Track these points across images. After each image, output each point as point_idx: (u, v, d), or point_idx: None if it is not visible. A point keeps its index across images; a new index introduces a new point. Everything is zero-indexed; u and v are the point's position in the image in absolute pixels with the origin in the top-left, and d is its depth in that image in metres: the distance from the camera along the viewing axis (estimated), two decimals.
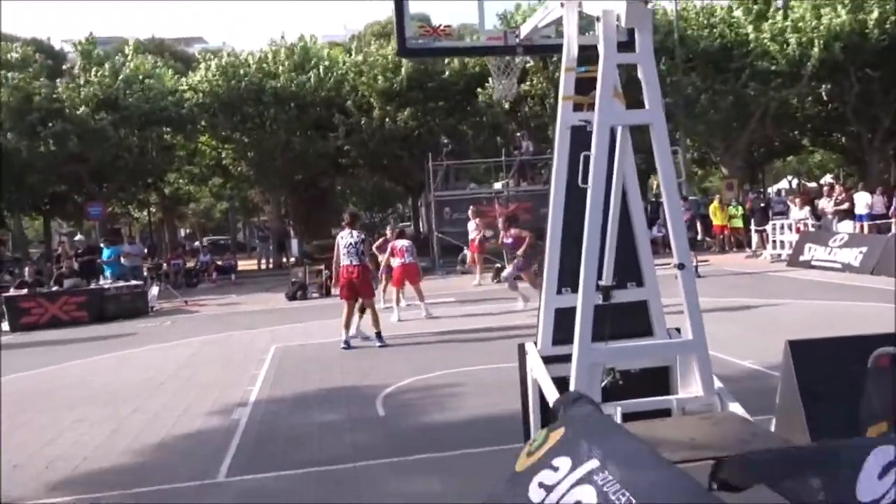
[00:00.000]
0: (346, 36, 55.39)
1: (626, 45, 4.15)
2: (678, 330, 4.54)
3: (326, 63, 24.67)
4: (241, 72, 23.88)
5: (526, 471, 2.02)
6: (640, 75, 3.93)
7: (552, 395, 4.08)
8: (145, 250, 23.59)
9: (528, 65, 20.87)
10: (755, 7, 23.47)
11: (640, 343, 4.16)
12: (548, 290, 4.48)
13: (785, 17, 22.42)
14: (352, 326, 9.70)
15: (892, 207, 18.47)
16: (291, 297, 16.06)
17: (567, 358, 4.12)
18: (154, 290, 16.96)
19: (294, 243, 25.26)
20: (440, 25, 6.35)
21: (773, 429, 4.24)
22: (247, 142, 24.58)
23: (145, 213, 35.41)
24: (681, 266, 3.94)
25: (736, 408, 3.86)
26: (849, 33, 21.40)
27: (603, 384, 4.09)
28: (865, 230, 17.59)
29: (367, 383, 7.53)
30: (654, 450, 1.71)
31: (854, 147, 27.30)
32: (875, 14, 21.57)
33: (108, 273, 17.70)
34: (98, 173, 23.06)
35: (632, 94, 4.15)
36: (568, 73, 4.46)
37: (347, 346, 9.40)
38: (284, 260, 26.46)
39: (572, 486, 1.71)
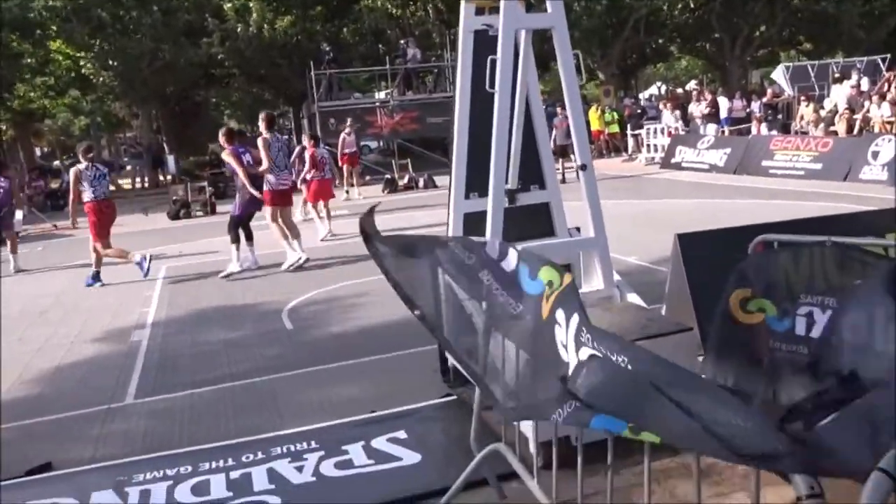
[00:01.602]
0: None
1: None
2: (578, 229, 4.79)
3: None
4: None
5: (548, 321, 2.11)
6: None
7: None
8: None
9: None
10: None
11: (547, 242, 4.36)
12: (456, 196, 4.56)
13: None
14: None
15: (750, 110, 19.75)
16: (174, 217, 15.41)
17: None
18: (18, 215, 15.69)
19: (170, 160, 23.92)
20: None
21: (663, 314, 4.63)
22: (107, 49, 22.64)
23: None
24: (583, 167, 4.12)
25: (634, 297, 4.19)
26: None
27: None
28: (726, 133, 18.79)
29: (268, 299, 7.47)
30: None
31: (717, 54, 28.75)
32: None
33: None
34: None
35: None
36: None
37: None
38: (161, 178, 25.10)
39: (577, 348, 1.86)
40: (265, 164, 8.60)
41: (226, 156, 8.97)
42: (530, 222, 4.62)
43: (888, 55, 20.99)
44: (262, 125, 9.04)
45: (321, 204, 11.29)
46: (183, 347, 6.07)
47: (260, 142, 8.70)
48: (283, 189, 8.89)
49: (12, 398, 5.22)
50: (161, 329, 6.70)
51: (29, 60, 23.91)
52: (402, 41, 21.86)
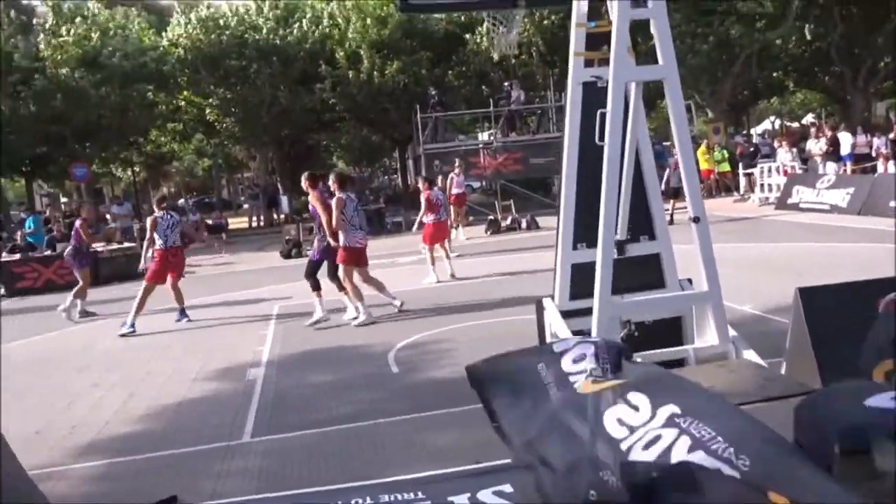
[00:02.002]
0: None
1: None
2: (689, 280, 4.67)
3: (310, 15, 24.17)
4: (222, 24, 23.34)
5: (595, 397, 2.06)
6: (653, 30, 3.96)
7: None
8: (132, 209, 23.52)
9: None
10: None
11: (660, 295, 4.28)
12: (563, 246, 4.56)
13: None
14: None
15: (875, 147, 18.65)
16: (286, 256, 16.08)
17: (584, 312, 4.25)
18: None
19: (284, 200, 25.13)
20: None
21: (783, 373, 4.40)
22: (230, 97, 24.21)
23: (129, 172, 34.96)
24: (696, 219, 4.03)
25: (751, 354, 4.02)
26: None
27: (619, 336, 4.22)
28: (849, 171, 17.79)
29: (375, 341, 7.64)
30: (722, 396, 1.80)
31: (836, 86, 27.39)
32: None
33: (36, 243, 16.80)
34: (81, 133, 22.68)
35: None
36: (579, 29, 4.46)
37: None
38: (275, 217, 26.35)
39: (659, 428, 1.77)
40: (334, 223, 8.32)
41: (313, 200, 8.84)
42: (640, 274, 4.55)
43: None
44: (333, 185, 8.82)
45: (437, 246, 11.28)
46: (295, 387, 6.30)
47: (334, 202, 8.40)
48: (358, 248, 8.61)
49: (141, 430, 5.58)
50: (274, 368, 6.98)
51: (161, 109, 25.91)
52: (505, 83, 22.15)
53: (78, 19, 21.99)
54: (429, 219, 11.17)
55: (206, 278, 14.52)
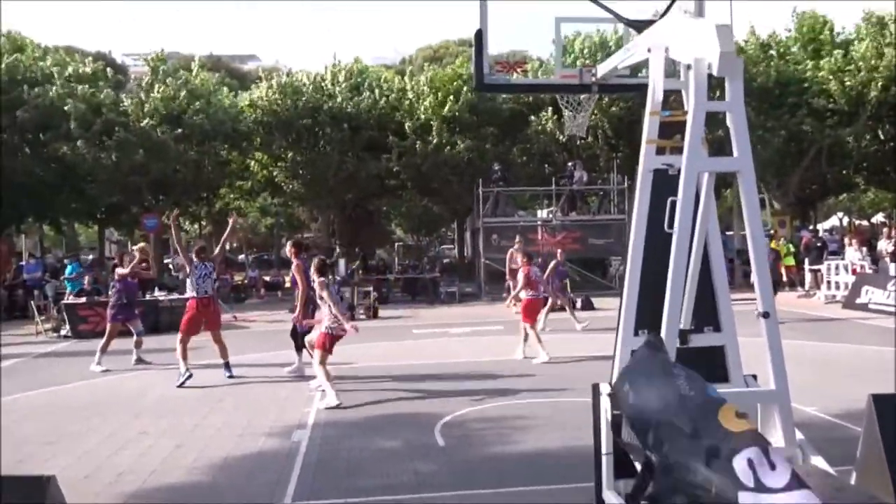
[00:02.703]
0: (396, 59, 56.35)
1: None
2: (754, 377, 4.51)
3: (381, 86, 25.07)
4: (300, 90, 24.38)
5: (740, 437, 2.14)
6: (729, 123, 3.96)
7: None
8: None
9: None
10: (813, 44, 23.24)
11: (725, 390, 4.12)
12: (625, 331, 4.47)
13: (845, 55, 22.11)
14: None
15: None
16: None
17: None
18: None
19: (341, 263, 25.51)
20: (516, 61, 6.47)
21: (853, 482, 4.16)
22: (300, 160, 25.03)
23: (196, 226, 36.17)
24: (765, 315, 3.92)
25: (819, 461, 3.81)
26: None
27: None
28: None
29: (423, 410, 7.57)
30: None
31: None
32: None
33: (69, 289, 17.16)
34: (156, 186, 23.71)
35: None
36: (652, 117, 4.49)
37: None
38: (330, 278, 26.71)
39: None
40: (333, 309, 8.20)
41: (295, 270, 9.08)
42: (703, 365, 4.41)
43: None
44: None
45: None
46: (339, 452, 6.24)
47: (317, 284, 8.33)
48: (341, 336, 8.35)
49: (186, 482, 5.59)
50: (320, 431, 6.95)
51: (233, 167, 26.94)
52: (569, 163, 22.33)
53: (170, 79, 23.32)
54: (527, 294, 10.68)
55: (260, 334, 14.72)
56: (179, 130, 22.36)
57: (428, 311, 18.02)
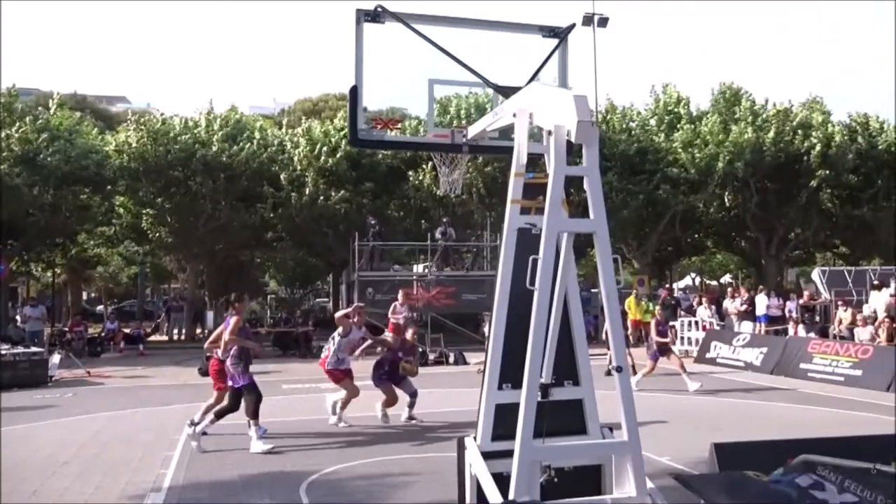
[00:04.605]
0: (275, 109, 55.89)
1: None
2: (610, 429, 4.72)
3: (259, 136, 24.69)
4: (172, 136, 23.52)
5: None
6: (585, 187, 4.23)
7: (492, 492, 4.14)
8: (46, 312, 22.44)
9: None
10: (667, 118, 25.36)
11: (580, 442, 4.29)
12: (489, 386, 4.58)
13: (694, 130, 24.22)
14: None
15: (788, 310, 19.72)
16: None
17: (506, 454, 4.21)
18: (55, 359, 15.98)
19: (210, 315, 24.49)
20: (391, 118, 6.62)
21: None
22: (169, 207, 24.02)
23: (49, 273, 33.66)
24: (618, 369, 4.15)
25: None
26: (750, 149, 23.33)
27: (539, 481, 4.18)
28: (763, 331, 18.67)
29: (288, 469, 7.31)
30: None
31: (752, 251, 29.26)
32: (772, 133, 23.71)
33: None
34: (6, 230, 21.92)
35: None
36: (517, 178, 4.73)
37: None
38: (199, 331, 25.54)
39: None
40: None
41: (236, 324, 8.56)
42: (562, 418, 4.58)
43: None
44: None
45: None
46: None
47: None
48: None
49: None
50: (177, 495, 6.54)
51: (94, 212, 25.41)
52: (443, 219, 22.81)
53: (28, 118, 21.86)
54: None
55: (117, 390, 13.77)
56: (36, 176, 20.89)
57: (300, 365, 17.54)
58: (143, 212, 25.22)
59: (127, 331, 24.05)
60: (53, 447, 8.53)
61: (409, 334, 10.44)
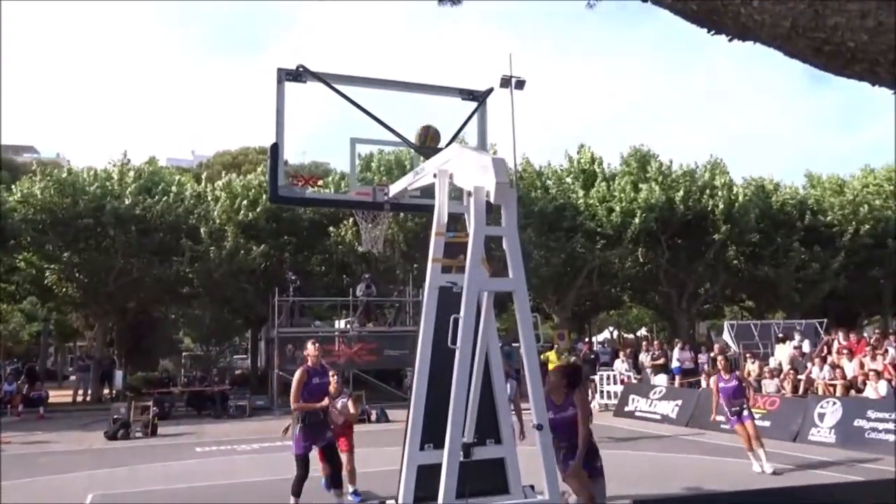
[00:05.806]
0: (193, 162, 54.91)
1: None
2: (532, 487, 4.72)
3: (175, 189, 24.10)
4: (80, 187, 22.65)
5: None
6: (504, 247, 4.32)
7: None
8: None
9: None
10: (582, 176, 26.36)
11: (503, 502, 4.27)
12: (411, 446, 4.53)
13: (608, 188, 25.22)
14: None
15: (700, 363, 20.40)
16: (112, 437, 14.65)
17: None
18: None
19: (118, 375, 23.29)
20: (311, 175, 6.63)
21: None
22: (76, 262, 22.97)
23: None
24: (539, 427, 4.18)
25: None
26: (661, 206, 24.45)
27: None
28: (677, 383, 19.22)
29: None
30: None
31: (665, 305, 30.34)
32: (681, 192, 24.96)
33: None
34: None
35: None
36: (438, 238, 4.79)
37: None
38: (106, 392, 24.22)
39: None
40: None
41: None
42: (485, 477, 4.56)
43: (825, 319, 22.41)
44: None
45: None
46: None
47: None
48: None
49: None
50: None
51: None
52: (365, 274, 22.71)
53: None
54: None
55: (13, 457, 12.82)
56: None
57: (214, 426, 16.87)
58: (49, 266, 23.99)
59: (26, 392, 22.55)
60: None
61: (351, 406, 8.83)
